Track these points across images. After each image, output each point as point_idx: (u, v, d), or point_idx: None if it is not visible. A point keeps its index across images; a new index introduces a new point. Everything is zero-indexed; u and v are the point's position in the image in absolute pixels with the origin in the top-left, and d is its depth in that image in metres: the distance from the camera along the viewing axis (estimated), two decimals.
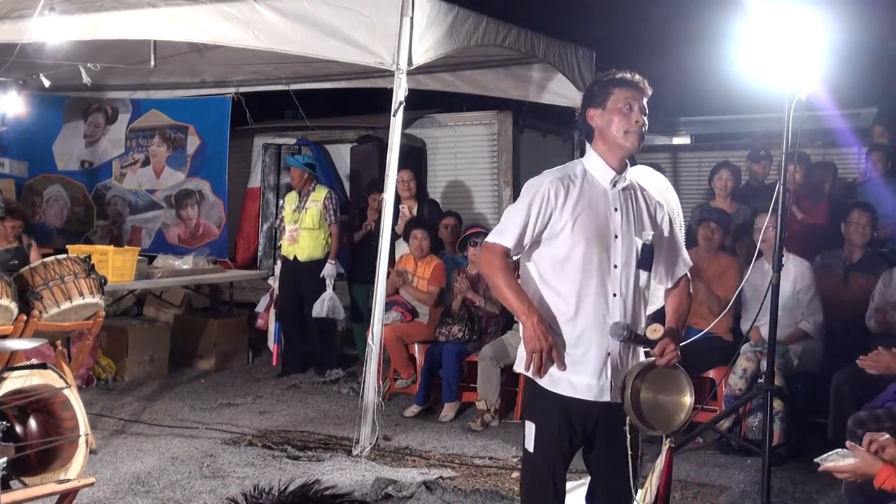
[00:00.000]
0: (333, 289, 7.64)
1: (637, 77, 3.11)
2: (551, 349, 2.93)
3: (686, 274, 3.31)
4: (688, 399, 3.06)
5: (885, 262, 5.88)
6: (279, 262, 8.08)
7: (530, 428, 3.09)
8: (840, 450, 2.85)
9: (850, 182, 7.47)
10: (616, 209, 3.06)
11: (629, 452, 3.00)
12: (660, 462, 3.17)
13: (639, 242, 3.08)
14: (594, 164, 3.10)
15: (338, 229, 7.71)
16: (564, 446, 3.07)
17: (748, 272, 5.08)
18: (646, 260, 3.09)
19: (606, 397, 3.04)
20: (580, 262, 3.00)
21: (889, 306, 5.48)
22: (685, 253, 3.32)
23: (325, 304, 7.53)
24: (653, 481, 3.14)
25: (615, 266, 3.04)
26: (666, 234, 3.20)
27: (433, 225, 7.42)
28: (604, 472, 3.12)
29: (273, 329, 8.06)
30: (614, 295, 3.04)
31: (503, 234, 3.05)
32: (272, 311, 8.09)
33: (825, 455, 2.89)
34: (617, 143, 3.07)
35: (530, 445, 3.09)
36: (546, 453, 3.06)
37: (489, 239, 3.10)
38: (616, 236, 3.05)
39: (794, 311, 5.73)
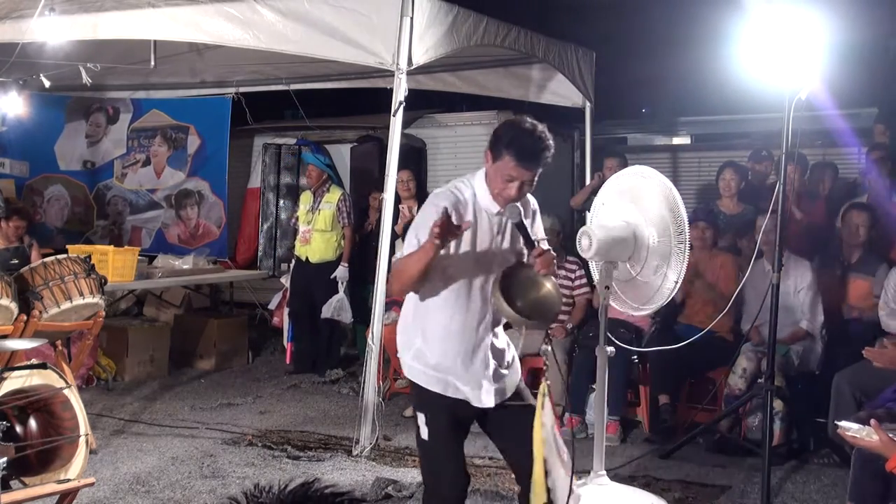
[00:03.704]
0: (345, 292, 7.62)
1: (536, 151, 3.03)
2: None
3: None
4: (549, 284, 3.13)
5: (883, 262, 5.87)
6: (293, 261, 8.07)
7: (421, 418, 3.24)
8: (868, 427, 3.00)
9: (850, 182, 7.47)
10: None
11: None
12: (548, 414, 3.17)
13: None
14: (482, 193, 3.14)
15: (351, 232, 7.67)
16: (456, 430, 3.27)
17: (748, 272, 5.10)
18: None
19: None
20: None
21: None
22: None
23: (333, 306, 7.53)
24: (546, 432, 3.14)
25: None
26: None
27: None
28: (508, 441, 3.28)
29: (287, 327, 8.06)
30: None
31: None
32: (286, 309, 8.09)
33: (850, 424, 3.06)
34: (493, 194, 3.11)
35: (424, 434, 3.23)
36: (438, 439, 3.22)
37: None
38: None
39: (793, 311, 5.72)
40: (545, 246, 3.10)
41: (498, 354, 3.25)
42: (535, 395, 3.24)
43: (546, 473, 3.09)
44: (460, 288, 3.12)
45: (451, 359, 3.16)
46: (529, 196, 3.28)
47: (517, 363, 3.36)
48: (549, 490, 3.09)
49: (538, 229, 3.33)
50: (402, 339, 3.28)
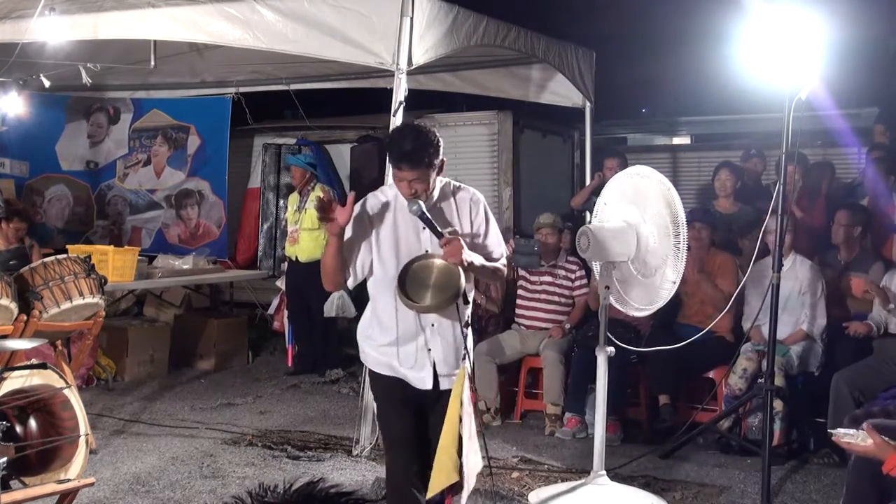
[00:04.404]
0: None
1: (407, 153, 3.27)
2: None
3: None
4: (439, 262, 3.31)
5: (877, 260, 5.88)
6: (286, 263, 8.07)
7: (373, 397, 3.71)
8: (861, 432, 3.01)
9: (849, 182, 7.47)
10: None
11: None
12: (465, 382, 3.36)
13: None
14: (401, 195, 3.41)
15: None
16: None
17: (748, 271, 5.09)
18: None
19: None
20: None
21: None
22: None
23: (335, 303, 7.52)
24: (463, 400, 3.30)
25: None
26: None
27: None
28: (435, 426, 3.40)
29: (287, 330, 8.05)
30: None
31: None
32: (285, 312, 8.08)
33: (845, 430, 3.09)
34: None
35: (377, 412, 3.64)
36: (384, 419, 3.58)
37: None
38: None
39: (797, 313, 5.71)
40: (451, 235, 3.29)
41: (444, 343, 3.41)
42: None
43: (460, 454, 3.26)
44: (392, 280, 3.36)
45: (392, 342, 3.43)
46: (473, 191, 3.54)
47: (472, 356, 3.53)
48: (459, 470, 3.25)
49: (480, 224, 3.50)
50: (360, 331, 3.57)
